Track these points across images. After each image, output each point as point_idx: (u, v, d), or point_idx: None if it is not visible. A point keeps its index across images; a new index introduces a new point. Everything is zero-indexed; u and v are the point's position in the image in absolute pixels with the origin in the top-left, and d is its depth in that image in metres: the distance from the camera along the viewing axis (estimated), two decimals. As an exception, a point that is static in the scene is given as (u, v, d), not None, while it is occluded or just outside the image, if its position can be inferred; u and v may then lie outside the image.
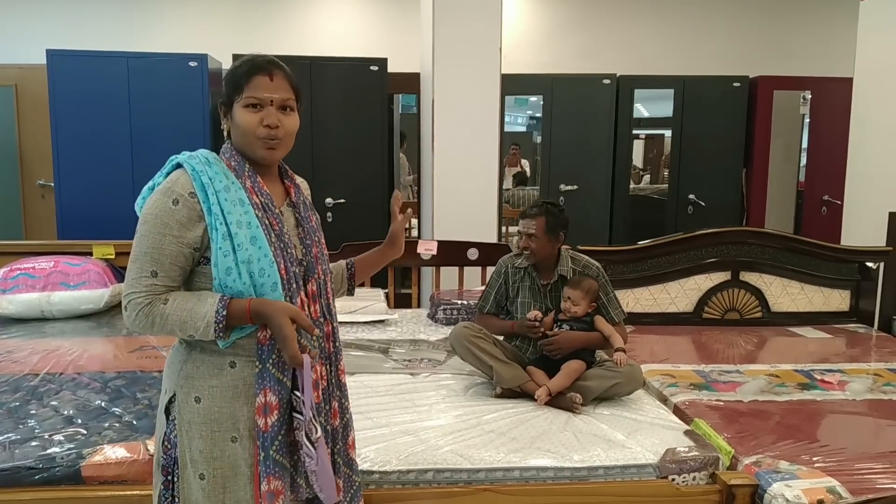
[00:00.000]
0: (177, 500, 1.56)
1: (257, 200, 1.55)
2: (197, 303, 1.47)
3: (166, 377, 1.59)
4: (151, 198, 1.51)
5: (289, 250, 1.57)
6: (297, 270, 1.58)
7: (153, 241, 1.47)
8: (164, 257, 1.47)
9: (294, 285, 1.56)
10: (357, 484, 1.76)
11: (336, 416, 1.67)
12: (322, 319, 1.64)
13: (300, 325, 1.50)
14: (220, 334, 1.46)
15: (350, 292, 1.90)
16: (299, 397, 1.52)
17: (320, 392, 1.61)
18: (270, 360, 1.52)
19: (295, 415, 1.53)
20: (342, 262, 1.90)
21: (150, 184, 1.58)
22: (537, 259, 2.81)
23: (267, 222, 1.54)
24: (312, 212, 1.71)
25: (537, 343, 2.75)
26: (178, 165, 1.55)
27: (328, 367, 1.66)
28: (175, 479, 1.55)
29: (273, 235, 1.54)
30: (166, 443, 1.56)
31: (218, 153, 1.60)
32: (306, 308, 1.60)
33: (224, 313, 1.45)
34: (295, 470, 1.57)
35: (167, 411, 1.56)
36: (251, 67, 1.55)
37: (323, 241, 1.70)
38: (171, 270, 1.48)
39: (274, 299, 1.51)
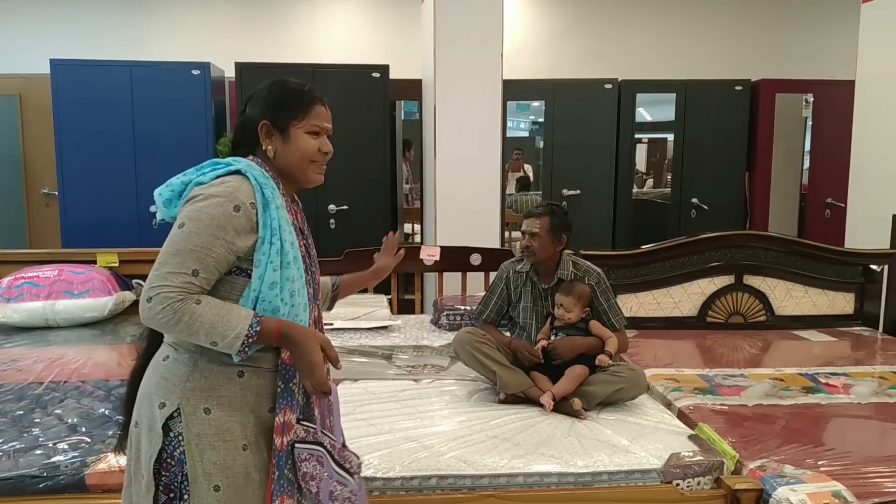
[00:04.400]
0: None
1: (290, 219, 1.57)
2: (231, 311, 1.44)
3: (164, 391, 1.50)
4: (208, 197, 1.47)
5: (308, 273, 1.60)
6: (311, 293, 1.61)
7: (204, 240, 1.43)
8: (210, 259, 1.44)
9: (311, 307, 1.59)
10: None
11: None
12: None
13: (328, 357, 1.49)
14: (245, 349, 1.43)
15: (329, 308, 1.95)
16: (313, 428, 1.51)
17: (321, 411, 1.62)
18: (294, 381, 1.52)
19: (305, 447, 1.51)
20: (327, 280, 1.93)
21: (182, 178, 1.54)
22: (538, 259, 2.81)
23: (298, 244, 1.57)
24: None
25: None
26: (236, 172, 1.53)
27: None
28: (184, 495, 1.49)
29: (301, 257, 1.57)
30: (169, 460, 1.49)
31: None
32: None
33: (258, 329, 1.43)
34: (300, 493, 1.54)
35: (166, 427, 1.49)
36: (312, 96, 1.61)
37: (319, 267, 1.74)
38: (212, 274, 1.45)
39: (304, 319, 1.52)
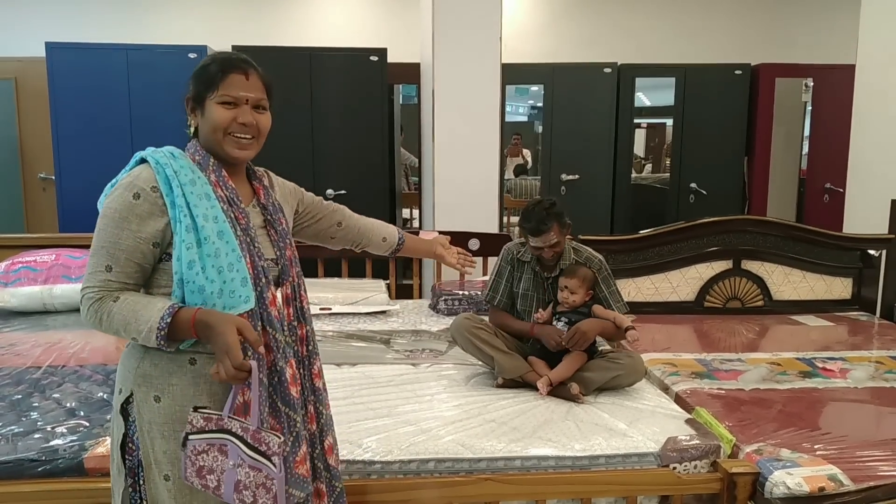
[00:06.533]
0: (145, 501, 1.52)
1: (222, 194, 1.52)
2: (145, 306, 1.42)
3: (121, 376, 1.53)
4: (112, 192, 1.47)
5: (255, 245, 1.54)
6: (266, 265, 1.55)
7: (110, 235, 1.43)
8: (120, 252, 1.43)
9: (263, 279, 1.52)
10: (339, 489, 1.73)
11: (312, 421, 1.66)
12: (296, 322, 1.63)
13: (246, 339, 1.41)
14: (162, 342, 1.40)
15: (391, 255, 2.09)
16: (216, 415, 1.43)
17: (298, 391, 1.59)
18: (246, 358, 1.44)
19: (203, 437, 1.42)
20: (393, 231, 2.07)
21: (113, 180, 1.53)
22: (559, 255, 2.78)
23: (232, 216, 1.51)
24: (283, 214, 1.67)
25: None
26: (142, 160, 1.51)
27: (301, 370, 1.63)
28: (140, 480, 1.51)
29: (239, 229, 1.51)
30: (130, 444, 1.51)
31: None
32: (279, 310, 1.57)
33: (168, 321, 1.39)
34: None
35: (124, 412, 1.50)
36: (226, 65, 1.53)
37: (294, 243, 1.69)
38: (127, 266, 1.44)
39: (244, 295, 1.47)
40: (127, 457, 1.51)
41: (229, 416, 1.43)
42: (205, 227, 1.45)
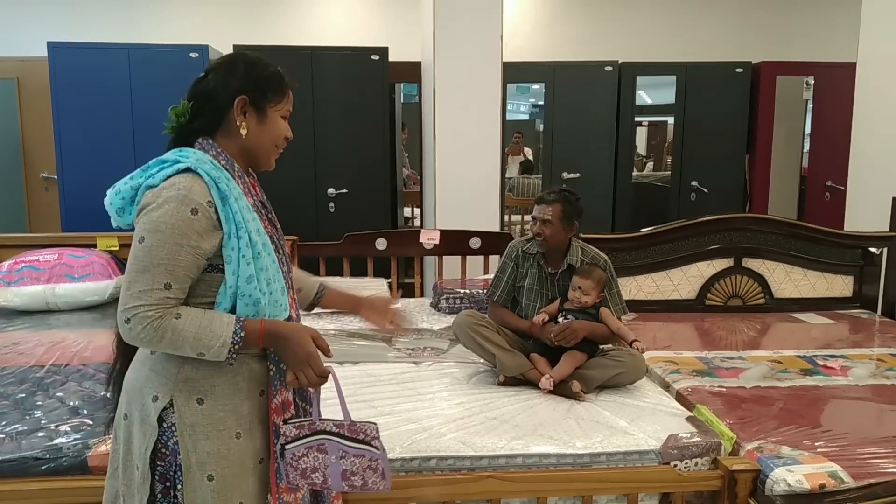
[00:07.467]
0: None
1: (252, 202, 1.52)
2: (212, 320, 1.41)
3: (156, 384, 1.48)
4: (162, 205, 1.40)
5: (279, 251, 1.56)
6: (286, 270, 1.58)
7: (169, 252, 1.38)
8: (180, 269, 1.40)
9: (287, 285, 1.55)
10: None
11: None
12: (295, 316, 1.64)
13: (319, 346, 1.48)
14: (233, 356, 1.42)
15: (307, 309, 1.87)
16: (306, 422, 1.50)
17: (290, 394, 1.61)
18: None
19: (298, 444, 1.49)
20: (312, 283, 1.87)
21: (130, 182, 1.48)
22: (549, 246, 2.78)
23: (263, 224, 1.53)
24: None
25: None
26: (186, 169, 1.45)
27: None
28: (178, 484, 1.48)
29: (269, 242, 1.52)
30: (163, 450, 1.48)
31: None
32: (296, 311, 1.61)
33: (242, 334, 1.41)
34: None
35: (159, 418, 1.47)
36: (287, 80, 1.57)
37: None
38: (184, 282, 1.42)
39: (284, 303, 1.51)
40: (159, 462, 1.49)
41: (320, 419, 1.50)
42: (257, 241, 1.46)
